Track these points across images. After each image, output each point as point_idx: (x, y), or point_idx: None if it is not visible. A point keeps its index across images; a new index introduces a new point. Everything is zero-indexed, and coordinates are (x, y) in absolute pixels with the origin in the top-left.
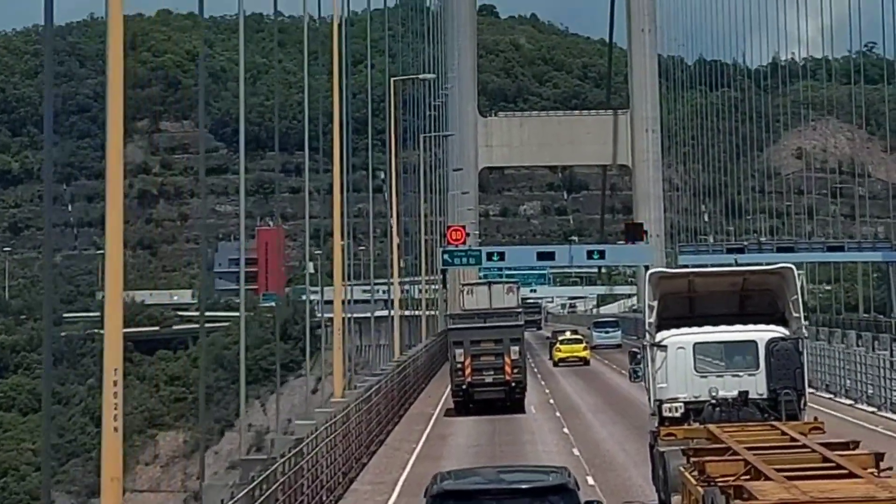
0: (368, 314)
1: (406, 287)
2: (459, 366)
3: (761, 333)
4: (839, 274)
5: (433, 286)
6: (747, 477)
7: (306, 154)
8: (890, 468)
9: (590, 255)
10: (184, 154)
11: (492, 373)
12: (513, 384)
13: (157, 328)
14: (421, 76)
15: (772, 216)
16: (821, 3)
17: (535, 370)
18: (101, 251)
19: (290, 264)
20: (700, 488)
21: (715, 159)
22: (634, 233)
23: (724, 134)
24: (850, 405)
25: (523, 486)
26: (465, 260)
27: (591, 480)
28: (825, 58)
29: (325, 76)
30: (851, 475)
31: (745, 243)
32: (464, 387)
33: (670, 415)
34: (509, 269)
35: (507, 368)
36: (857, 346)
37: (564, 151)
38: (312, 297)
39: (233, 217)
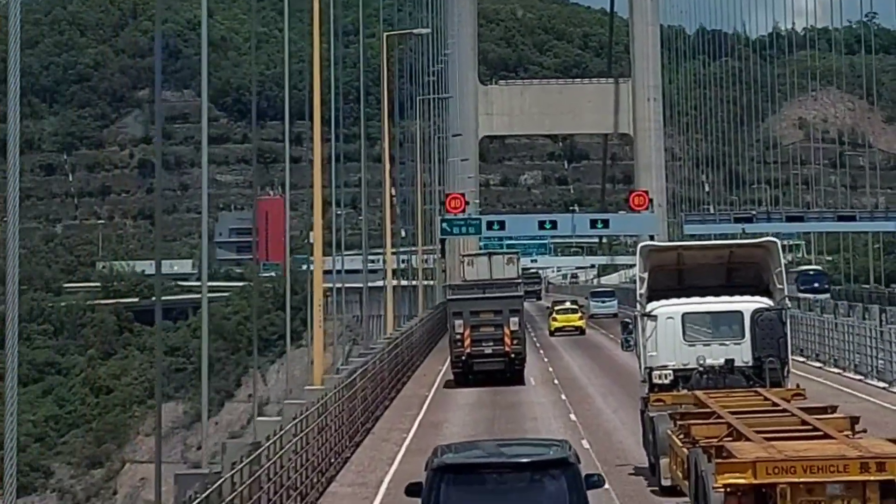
0: (368, 283)
1: (405, 257)
2: (459, 337)
3: (746, 304)
4: (839, 244)
5: (432, 256)
6: (729, 438)
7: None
8: (864, 430)
9: (593, 224)
10: (184, 123)
11: (491, 344)
12: (512, 355)
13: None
14: (416, 31)
15: (773, 186)
16: None
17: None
18: (102, 221)
19: (291, 233)
20: (685, 449)
21: (716, 129)
22: (639, 202)
23: (725, 104)
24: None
25: (524, 460)
26: (464, 229)
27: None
28: (826, 27)
29: (325, 45)
30: (826, 436)
31: (754, 212)
32: (463, 358)
33: (660, 382)
34: (510, 238)
35: (507, 339)
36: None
37: (565, 120)
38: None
39: (233, 187)
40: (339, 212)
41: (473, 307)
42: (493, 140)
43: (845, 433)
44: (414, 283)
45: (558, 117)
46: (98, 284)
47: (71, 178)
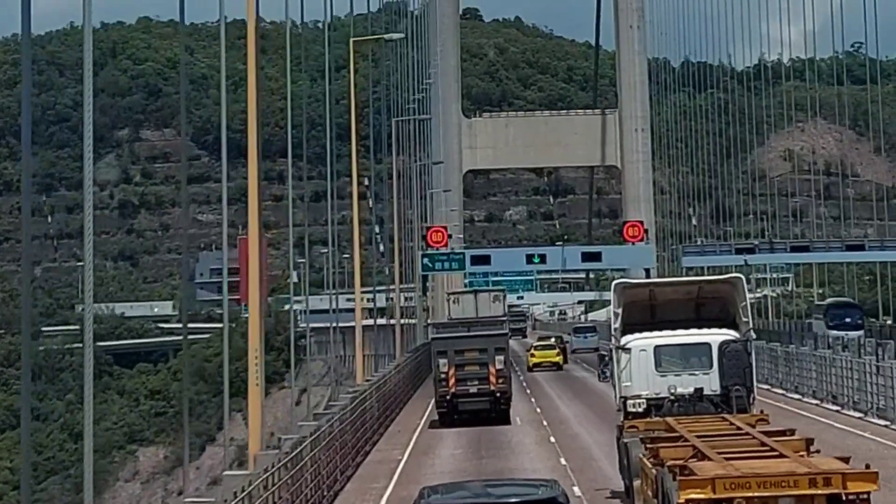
0: (352, 323)
1: (389, 296)
2: (443, 376)
3: (714, 336)
4: (824, 277)
5: (414, 294)
6: (694, 459)
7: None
8: (818, 451)
9: (585, 257)
10: (165, 163)
11: (476, 383)
12: (498, 394)
13: (137, 340)
14: (386, 37)
15: (760, 218)
16: (803, 4)
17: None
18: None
19: (273, 273)
20: (654, 470)
21: (703, 161)
22: (633, 233)
23: (712, 136)
24: None
25: (513, 500)
26: (447, 265)
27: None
28: (812, 58)
29: (310, 82)
30: (781, 456)
31: (756, 243)
32: (448, 397)
33: (634, 410)
34: (495, 273)
35: (492, 378)
36: None
37: (552, 153)
38: (296, 306)
39: (214, 226)
40: (323, 250)
41: (458, 346)
42: (478, 175)
43: (800, 453)
44: (392, 321)
45: (544, 150)
46: (77, 327)
47: (50, 220)
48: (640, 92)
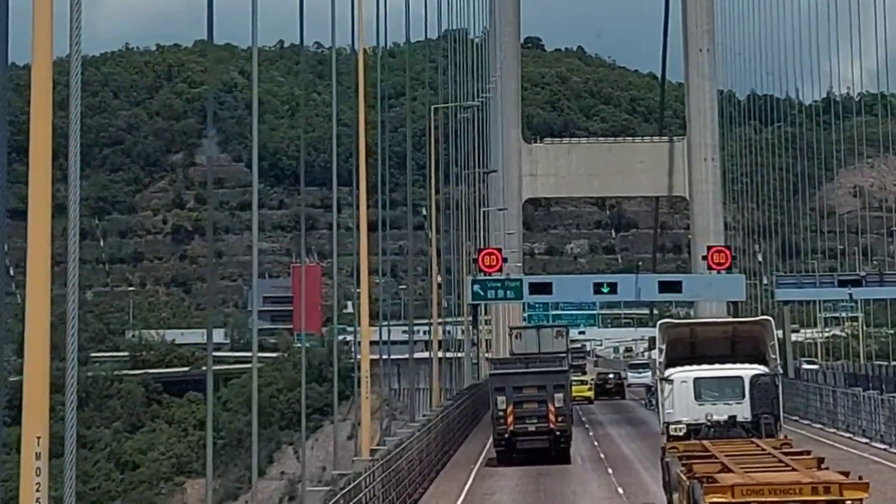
0: (405, 356)
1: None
2: (501, 413)
3: (746, 371)
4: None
5: (462, 326)
6: (720, 472)
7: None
8: (827, 468)
9: (663, 287)
10: (219, 188)
11: (535, 421)
12: (557, 433)
13: (186, 368)
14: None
15: (828, 256)
16: (875, 37)
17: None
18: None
19: (327, 303)
20: (688, 482)
21: (769, 197)
22: (719, 259)
23: (779, 171)
24: None
25: None
26: (501, 293)
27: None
28: (881, 93)
29: (368, 109)
30: (793, 470)
31: (864, 274)
32: (506, 436)
33: (675, 434)
34: (556, 306)
35: (552, 416)
36: None
37: (615, 182)
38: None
39: (269, 254)
40: (378, 280)
41: (516, 382)
42: (538, 207)
43: (811, 469)
44: (448, 355)
45: (607, 178)
46: (126, 354)
47: (102, 244)
48: (710, 119)
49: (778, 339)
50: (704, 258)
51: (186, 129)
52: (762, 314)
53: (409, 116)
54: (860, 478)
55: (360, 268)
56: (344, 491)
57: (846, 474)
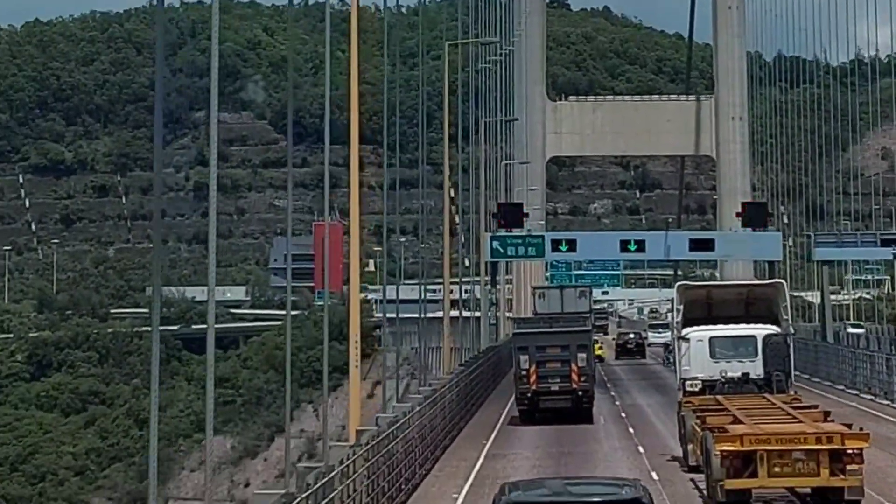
0: (427, 314)
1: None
2: (524, 373)
3: (759, 330)
4: None
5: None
6: (731, 423)
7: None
8: (832, 421)
9: (693, 245)
10: (241, 146)
11: (558, 380)
12: (580, 393)
13: (205, 326)
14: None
15: (854, 218)
16: None
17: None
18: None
19: (348, 261)
20: (701, 433)
21: (795, 159)
22: (755, 217)
23: (805, 133)
24: None
25: (595, 500)
26: (521, 249)
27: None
28: None
29: (390, 67)
30: (799, 422)
31: None
32: (529, 395)
33: (691, 389)
34: (579, 265)
35: (575, 376)
36: None
37: (641, 141)
38: (371, 295)
39: (292, 212)
40: (401, 239)
41: (539, 342)
42: (562, 167)
43: (817, 422)
44: (465, 314)
45: (633, 137)
46: (146, 310)
47: (124, 201)
48: (738, 77)
49: (815, 302)
50: (739, 215)
51: (208, 87)
52: (796, 274)
53: (421, 63)
54: (861, 429)
55: (351, 228)
56: (311, 490)
57: (849, 426)
